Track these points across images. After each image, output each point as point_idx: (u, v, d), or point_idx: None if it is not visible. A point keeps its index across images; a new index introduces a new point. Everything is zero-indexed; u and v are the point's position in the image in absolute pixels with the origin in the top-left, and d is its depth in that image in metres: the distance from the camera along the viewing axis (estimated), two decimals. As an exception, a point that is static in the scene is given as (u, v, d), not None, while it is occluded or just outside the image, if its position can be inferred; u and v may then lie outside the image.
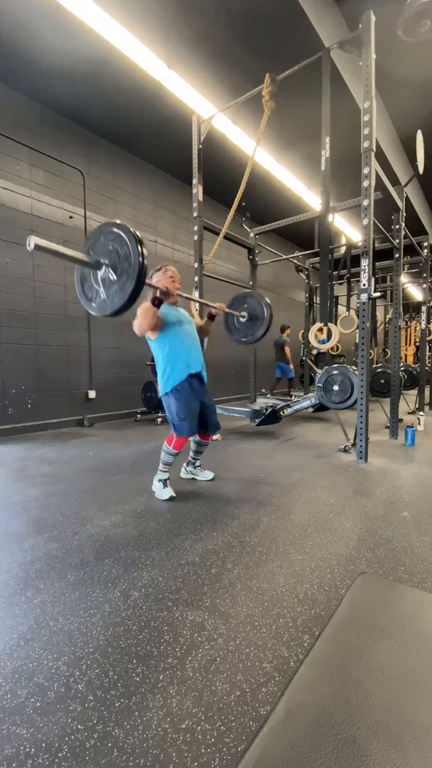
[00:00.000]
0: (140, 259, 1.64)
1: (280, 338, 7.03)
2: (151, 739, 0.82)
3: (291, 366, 7.13)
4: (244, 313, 3.48)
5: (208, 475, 2.59)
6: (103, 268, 1.74)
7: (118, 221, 1.76)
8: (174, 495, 2.24)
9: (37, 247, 1.50)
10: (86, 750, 0.80)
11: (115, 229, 1.73)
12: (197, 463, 2.61)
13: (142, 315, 2.11)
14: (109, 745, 0.81)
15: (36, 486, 2.47)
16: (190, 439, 2.47)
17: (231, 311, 3.45)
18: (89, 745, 0.81)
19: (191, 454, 2.58)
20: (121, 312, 1.74)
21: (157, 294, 2.04)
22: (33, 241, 1.49)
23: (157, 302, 2.06)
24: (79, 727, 0.85)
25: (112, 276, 1.72)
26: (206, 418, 2.38)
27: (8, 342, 4.07)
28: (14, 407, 4.13)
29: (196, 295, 3.92)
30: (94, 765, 0.77)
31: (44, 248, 1.54)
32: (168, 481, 2.32)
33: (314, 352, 7.06)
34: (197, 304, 3.89)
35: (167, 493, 2.25)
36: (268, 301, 3.47)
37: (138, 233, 1.70)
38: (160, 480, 2.31)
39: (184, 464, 2.64)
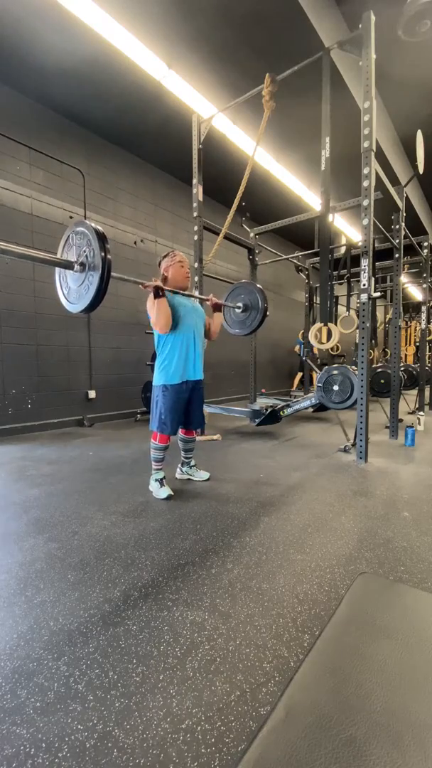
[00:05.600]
0: (103, 254, 1.70)
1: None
2: (151, 739, 0.82)
3: None
4: (240, 304, 3.44)
5: (204, 475, 2.58)
6: (75, 266, 1.80)
7: (85, 221, 1.82)
8: (172, 494, 2.25)
9: (1, 250, 1.53)
10: (86, 750, 0.80)
11: (80, 228, 1.81)
12: (192, 463, 2.61)
13: (156, 311, 2.13)
14: (109, 745, 0.81)
15: (36, 486, 2.47)
16: (177, 437, 2.50)
17: (225, 303, 3.43)
18: (89, 745, 0.81)
19: (182, 453, 2.58)
20: (93, 307, 1.81)
21: (153, 287, 2.08)
22: None
23: (160, 293, 2.09)
24: (79, 727, 0.85)
25: (83, 274, 1.80)
26: (190, 414, 2.41)
27: (8, 342, 4.07)
28: (14, 407, 4.13)
29: (196, 294, 3.93)
30: (94, 765, 0.77)
31: (8, 251, 1.56)
32: (164, 480, 2.32)
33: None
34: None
35: (165, 492, 2.25)
36: (261, 287, 3.42)
37: (100, 229, 1.75)
38: (156, 479, 2.31)
39: (179, 465, 2.64)
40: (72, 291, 1.89)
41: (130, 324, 5.34)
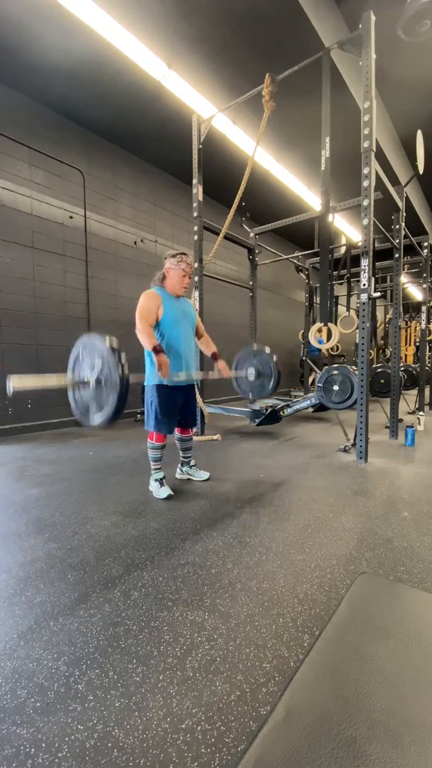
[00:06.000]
0: (120, 372, 1.62)
1: None
2: (151, 739, 0.82)
3: None
4: (252, 370, 3.48)
5: (204, 475, 2.58)
6: (91, 384, 1.74)
7: (98, 335, 1.72)
8: (172, 494, 2.25)
9: (17, 391, 1.50)
10: (86, 750, 0.80)
11: (94, 343, 1.74)
12: (192, 463, 2.61)
13: (142, 328, 2.22)
14: (109, 745, 0.81)
15: (36, 486, 2.47)
16: (174, 437, 2.50)
17: (237, 374, 3.52)
18: (89, 745, 0.81)
19: (180, 453, 2.58)
20: (112, 421, 1.73)
21: (154, 358, 2.15)
22: (12, 384, 1.47)
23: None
24: (79, 727, 0.85)
25: (98, 389, 1.73)
26: (184, 413, 2.41)
27: (8, 342, 4.07)
28: (14, 407, 4.13)
29: (196, 295, 3.92)
30: (94, 765, 0.77)
31: (25, 389, 1.54)
32: (164, 480, 2.32)
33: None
34: (196, 297, 3.89)
35: (165, 492, 2.25)
36: (269, 350, 3.50)
37: (115, 344, 1.66)
38: (156, 479, 2.31)
39: (179, 465, 2.64)
40: (88, 406, 1.82)
41: (130, 324, 5.31)
